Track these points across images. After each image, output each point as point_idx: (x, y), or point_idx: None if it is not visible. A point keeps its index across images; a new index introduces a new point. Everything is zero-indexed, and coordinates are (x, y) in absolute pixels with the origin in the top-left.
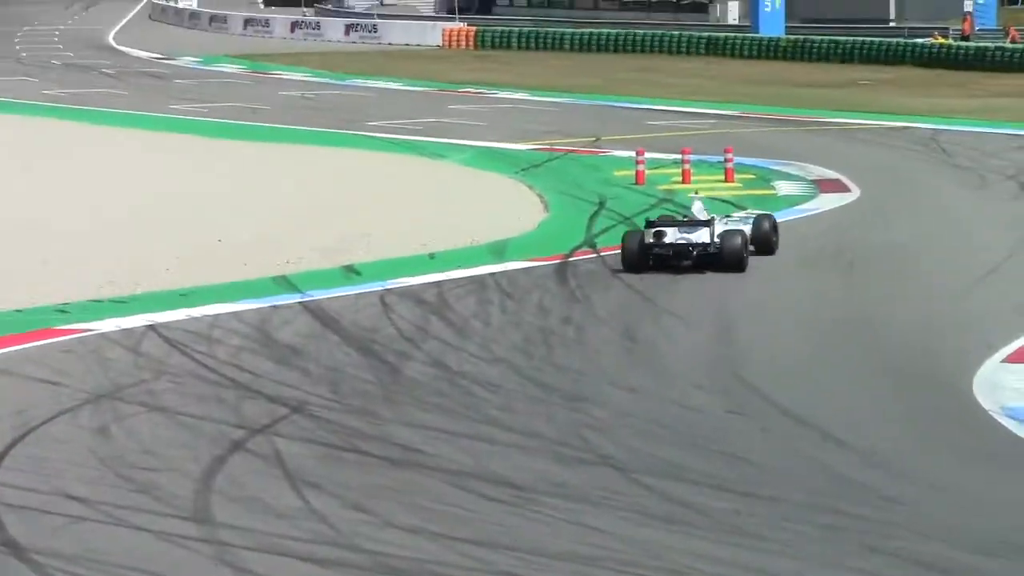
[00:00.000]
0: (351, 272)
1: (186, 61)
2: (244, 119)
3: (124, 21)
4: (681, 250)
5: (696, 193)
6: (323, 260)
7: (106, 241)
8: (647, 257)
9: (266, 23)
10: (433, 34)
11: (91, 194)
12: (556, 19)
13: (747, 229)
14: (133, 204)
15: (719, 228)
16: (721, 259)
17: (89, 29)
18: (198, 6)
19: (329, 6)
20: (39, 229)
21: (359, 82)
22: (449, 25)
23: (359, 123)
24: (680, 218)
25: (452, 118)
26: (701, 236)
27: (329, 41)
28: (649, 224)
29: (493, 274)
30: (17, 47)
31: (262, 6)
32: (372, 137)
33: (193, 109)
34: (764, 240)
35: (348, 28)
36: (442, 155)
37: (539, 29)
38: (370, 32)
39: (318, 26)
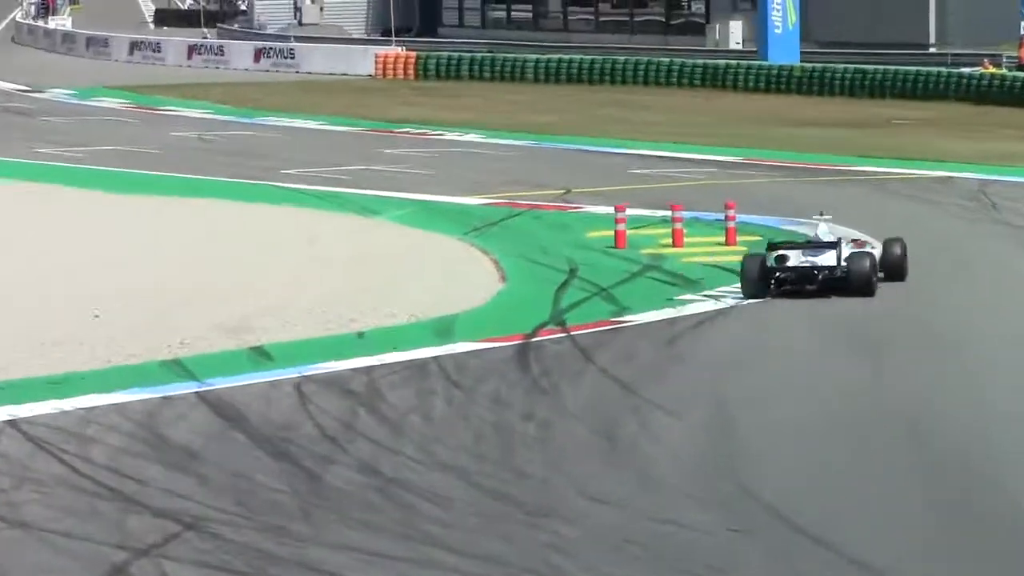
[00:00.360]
0: (260, 355)
1: (56, 93)
2: (128, 166)
3: None
4: (806, 273)
5: (822, 214)
6: (226, 340)
7: None
8: (769, 282)
9: (157, 47)
10: (364, 61)
11: None
12: (517, 42)
13: (876, 252)
14: None
15: (846, 251)
16: (848, 283)
17: None
18: (73, 26)
19: (235, 26)
20: None
21: (271, 120)
22: (383, 50)
23: (271, 171)
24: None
25: (387, 165)
26: (827, 259)
27: (235, 69)
28: (771, 247)
29: (437, 358)
30: None
31: (152, 26)
32: (287, 189)
33: (64, 153)
34: (895, 265)
35: (258, 53)
36: (375, 211)
37: (495, 55)
38: (285, 59)
39: (221, 51)
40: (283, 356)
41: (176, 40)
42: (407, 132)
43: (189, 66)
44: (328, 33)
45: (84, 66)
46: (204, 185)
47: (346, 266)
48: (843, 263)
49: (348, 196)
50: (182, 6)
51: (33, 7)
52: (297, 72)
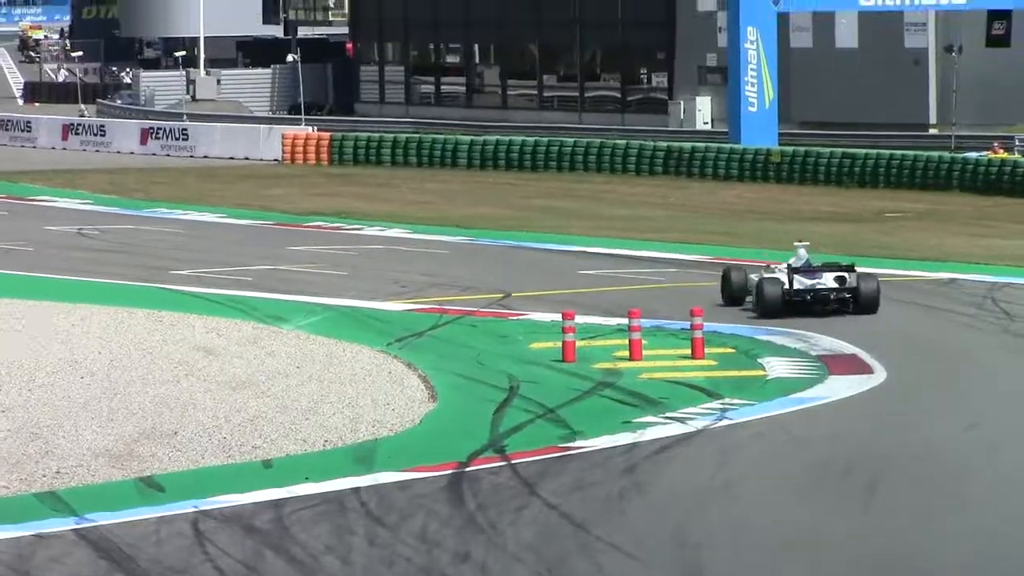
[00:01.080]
0: (150, 486)
1: None
2: None
3: None
4: (821, 295)
5: (800, 241)
6: (109, 469)
7: None
8: (786, 303)
9: (27, 126)
10: (269, 143)
11: None
12: (448, 121)
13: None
14: None
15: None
16: (858, 302)
17: None
18: None
19: (118, 102)
20: None
21: (162, 212)
22: (292, 130)
23: (161, 272)
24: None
25: (296, 264)
26: (839, 281)
27: (119, 152)
28: (792, 270)
29: (356, 490)
30: None
31: (21, 102)
32: (180, 292)
33: None
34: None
35: (145, 134)
36: (281, 318)
37: (422, 136)
38: (177, 140)
39: (102, 131)
40: (176, 488)
41: (49, 118)
42: (319, 226)
43: (65, 148)
44: (227, 111)
45: None
46: (82, 288)
47: (248, 383)
48: (853, 285)
49: (250, 300)
50: (55, 79)
51: None
52: (191, 156)
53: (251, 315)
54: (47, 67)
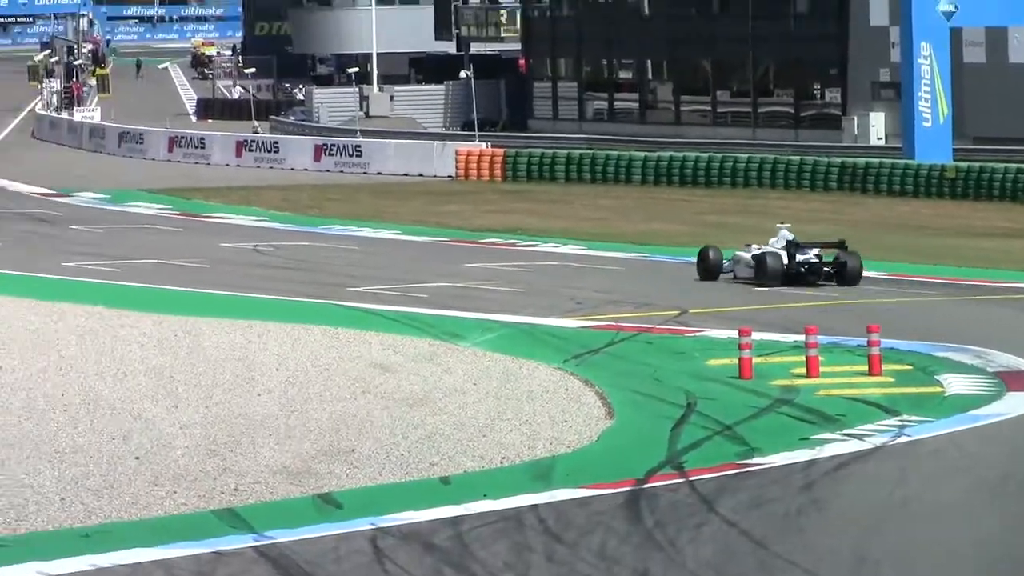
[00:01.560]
0: (328, 503)
1: (86, 198)
2: (169, 282)
3: None
4: (815, 268)
5: (782, 223)
6: (287, 486)
7: None
8: (785, 274)
9: (200, 143)
10: (443, 160)
11: None
12: (621, 137)
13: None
14: (7, 405)
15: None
16: (844, 276)
17: None
18: (102, 119)
19: (291, 119)
20: None
21: (336, 229)
22: (465, 147)
23: (337, 288)
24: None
25: (471, 281)
26: (829, 256)
27: (292, 169)
28: (790, 245)
29: (534, 507)
30: None
31: (194, 119)
32: (355, 309)
33: (96, 267)
34: (855, 272)
35: (319, 151)
36: (458, 335)
37: (596, 152)
38: (351, 156)
39: (275, 147)
40: (354, 504)
41: (223, 135)
42: (493, 243)
43: (238, 165)
44: (400, 127)
45: (116, 165)
46: (258, 305)
47: (425, 400)
48: (843, 260)
49: (426, 317)
50: (229, 96)
51: (55, 96)
52: (365, 172)
53: (427, 332)
54: (220, 84)
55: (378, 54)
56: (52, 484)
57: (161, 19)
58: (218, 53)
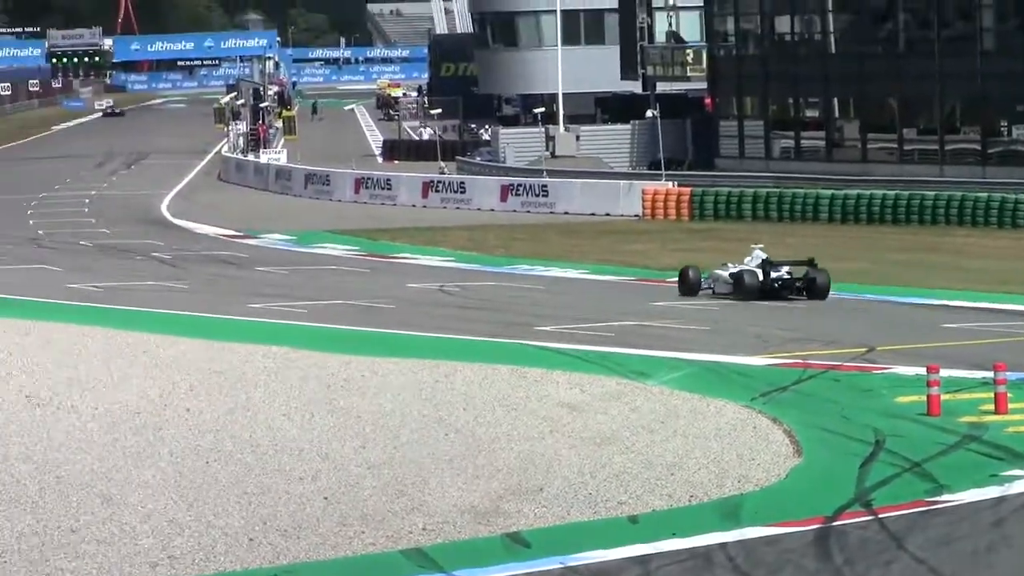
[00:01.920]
0: (516, 543)
1: (272, 239)
2: (355, 322)
3: (182, 184)
4: (788, 283)
5: (756, 244)
6: (475, 525)
7: (157, 503)
8: (762, 289)
9: (387, 184)
10: (629, 199)
11: (129, 433)
12: (807, 176)
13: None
14: (196, 446)
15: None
16: (813, 290)
17: (132, 195)
18: (288, 160)
19: (477, 159)
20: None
21: (523, 268)
22: (651, 186)
23: (524, 328)
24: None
25: (658, 320)
26: (800, 273)
27: (479, 209)
28: (765, 263)
29: (723, 545)
30: (31, 221)
31: (380, 160)
32: (542, 348)
33: (282, 309)
34: (823, 287)
35: (505, 191)
36: (645, 374)
37: (782, 190)
38: (537, 196)
39: (462, 188)
40: (543, 544)
41: (409, 176)
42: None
43: (424, 206)
44: (586, 166)
45: (302, 207)
46: (445, 345)
47: (612, 439)
48: (812, 276)
49: (613, 356)
50: (415, 137)
51: (241, 139)
52: (551, 212)
53: (614, 370)
54: (406, 125)
55: (564, 94)
56: (240, 525)
57: (347, 61)
58: (404, 94)
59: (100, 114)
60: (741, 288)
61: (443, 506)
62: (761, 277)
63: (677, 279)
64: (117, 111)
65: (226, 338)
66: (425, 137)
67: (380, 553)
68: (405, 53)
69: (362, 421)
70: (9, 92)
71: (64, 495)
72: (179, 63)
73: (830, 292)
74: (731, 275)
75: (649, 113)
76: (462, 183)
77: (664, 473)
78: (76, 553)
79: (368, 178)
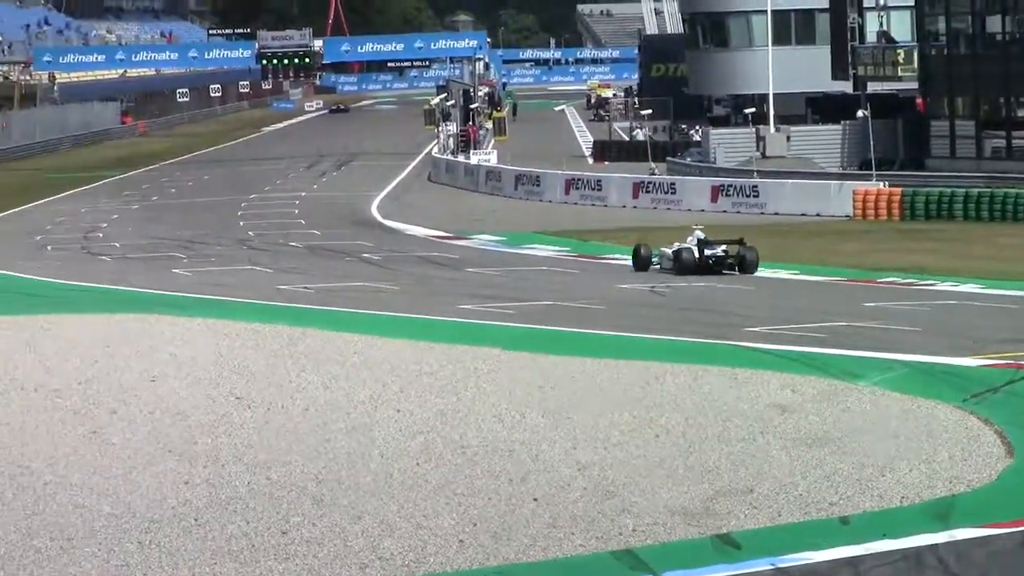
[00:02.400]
0: (727, 544)
1: (482, 240)
2: (565, 323)
3: (392, 185)
4: (720, 259)
5: (696, 225)
6: (685, 527)
7: (368, 504)
8: (697, 266)
9: (597, 185)
10: (840, 199)
11: (339, 435)
12: (1019, 175)
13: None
14: (406, 448)
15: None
16: (744, 266)
17: (342, 197)
18: (498, 161)
19: (687, 160)
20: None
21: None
22: (862, 186)
23: (732, 328)
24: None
25: (869, 321)
26: (733, 250)
27: (689, 210)
28: (700, 243)
29: (934, 546)
30: (242, 223)
31: (591, 161)
32: (751, 349)
33: (492, 310)
34: (752, 263)
35: (715, 191)
36: (855, 375)
37: (994, 190)
38: (747, 197)
39: (672, 189)
40: (753, 545)
41: (619, 177)
42: (892, 282)
43: (635, 206)
44: (797, 167)
45: (512, 208)
46: (655, 346)
47: (824, 440)
48: (741, 254)
49: (824, 357)
50: (625, 137)
51: (451, 140)
52: (761, 212)
53: (825, 371)
54: (616, 126)
55: (775, 94)
56: (451, 526)
57: (557, 62)
58: (614, 95)
59: (325, 111)
60: (680, 263)
61: (653, 507)
62: (697, 254)
63: (631, 255)
64: (343, 108)
65: (436, 339)
66: (640, 137)
67: (590, 554)
68: (615, 54)
69: (572, 422)
70: (220, 94)
71: (275, 497)
72: (389, 64)
73: (758, 265)
74: (673, 252)
75: (860, 113)
76: (672, 184)
77: (875, 474)
78: (286, 554)
79: (578, 179)
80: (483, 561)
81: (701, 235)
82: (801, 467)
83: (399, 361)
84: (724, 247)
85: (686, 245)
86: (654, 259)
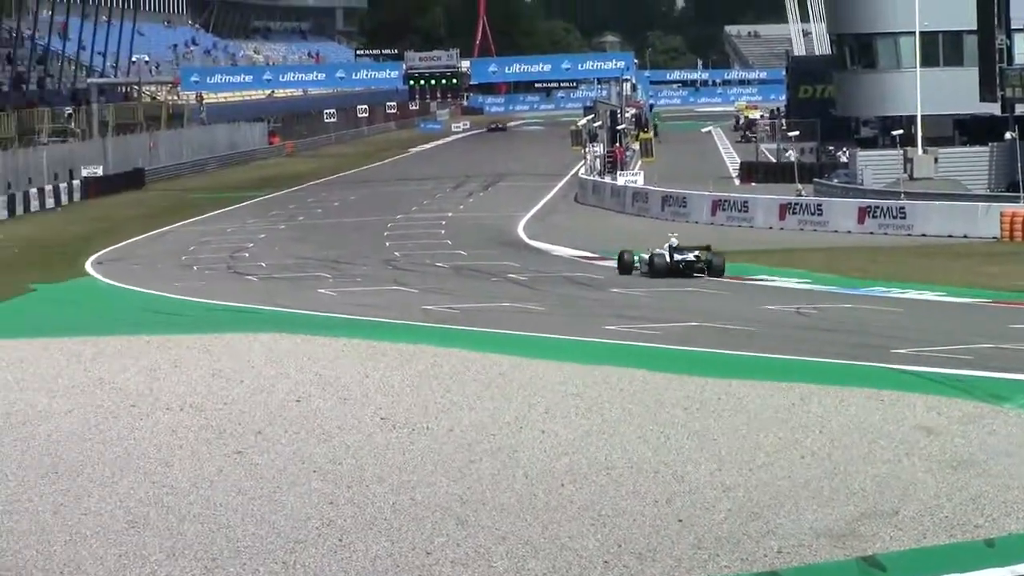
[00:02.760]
0: (872, 566)
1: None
2: (711, 345)
3: (539, 206)
4: (690, 263)
5: (672, 233)
6: (831, 548)
7: (512, 525)
8: (668, 269)
9: (743, 206)
10: (987, 221)
11: (484, 455)
12: None
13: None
14: (551, 469)
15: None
16: (711, 270)
17: (488, 217)
18: (645, 182)
19: (835, 181)
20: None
21: (880, 291)
22: (1010, 208)
23: (879, 350)
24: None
25: (1015, 343)
26: (701, 256)
27: (835, 232)
28: (671, 249)
29: None
30: (388, 244)
31: (737, 182)
32: (899, 371)
33: (638, 330)
34: (719, 267)
35: (862, 213)
36: (1001, 397)
37: None
38: (895, 219)
39: (819, 210)
40: (898, 567)
41: (766, 198)
42: None
43: (781, 228)
44: (944, 188)
45: (658, 228)
46: (801, 367)
47: (969, 462)
48: (708, 259)
49: (970, 379)
50: (772, 159)
51: (598, 161)
52: (909, 234)
53: (971, 393)
54: (763, 147)
55: (922, 116)
56: (595, 547)
57: (704, 83)
58: (761, 116)
59: (474, 132)
60: (653, 267)
61: (798, 529)
62: (669, 259)
63: (616, 260)
64: (500, 127)
65: (582, 359)
66: (793, 159)
67: (735, 575)
68: (762, 75)
69: (717, 443)
70: (367, 114)
71: (419, 517)
72: (536, 85)
73: (724, 270)
74: (649, 257)
75: (1008, 135)
76: (819, 205)
77: (1020, 496)
78: (431, 575)
79: (724, 200)
80: None
81: (675, 242)
82: (946, 489)
83: (544, 382)
84: (696, 253)
85: (660, 251)
86: (636, 263)
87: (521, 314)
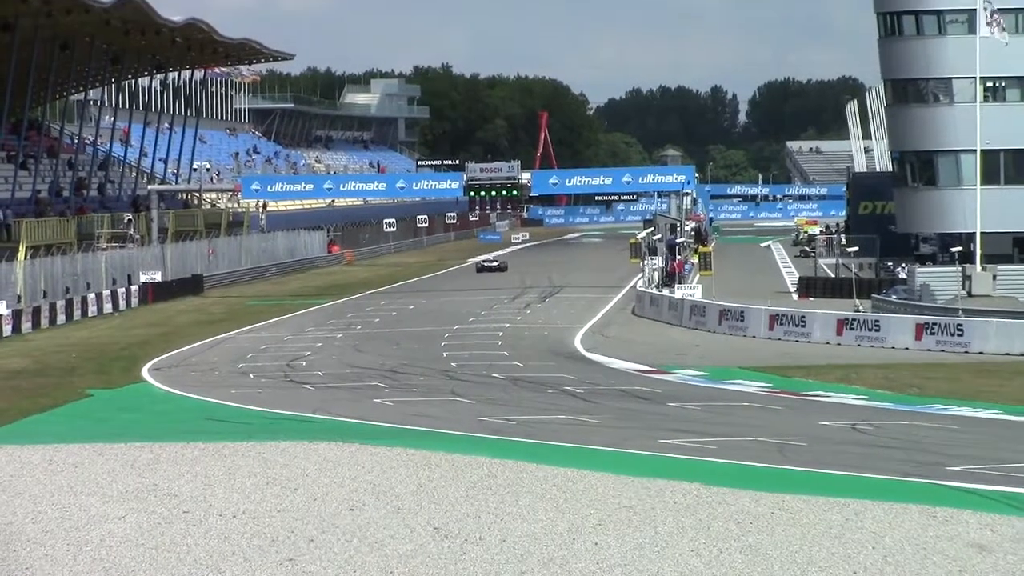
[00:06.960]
0: None
1: (685, 375)
2: (766, 460)
3: (596, 318)
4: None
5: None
6: None
7: None
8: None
9: (801, 320)
10: None
11: (536, 567)
12: None
13: None
14: None
15: None
16: None
17: (546, 328)
18: (703, 296)
19: (893, 297)
20: None
21: (936, 408)
22: None
23: (936, 467)
24: None
25: None
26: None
27: (893, 348)
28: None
29: None
30: (445, 354)
31: (795, 297)
32: (953, 488)
33: (693, 445)
34: None
35: (920, 329)
36: None
37: None
38: (952, 335)
39: (876, 326)
40: None
41: (823, 313)
42: None
43: (839, 343)
44: (1002, 306)
45: (715, 343)
46: (855, 483)
47: None
48: None
49: None
50: (830, 274)
51: (656, 273)
52: (966, 351)
53: None
54: (822, 262)
55: (982, 233)
56: None
57: (764, 197)
58: (820, 231)
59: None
60: None
61: None
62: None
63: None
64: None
65: (636, 473)
66: (834, 275)
67: None
68: (823, 190)
69: (770, 558)
70: (426, 224)
71: None
72: (596, 197)
73: None
74: None
75: None
76: (876, 321)
77: None
78: None
79: (782, 314)
80: None
81: None
82: None
83: (598, 494)
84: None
85: None
86: None
87: (576, 426)
